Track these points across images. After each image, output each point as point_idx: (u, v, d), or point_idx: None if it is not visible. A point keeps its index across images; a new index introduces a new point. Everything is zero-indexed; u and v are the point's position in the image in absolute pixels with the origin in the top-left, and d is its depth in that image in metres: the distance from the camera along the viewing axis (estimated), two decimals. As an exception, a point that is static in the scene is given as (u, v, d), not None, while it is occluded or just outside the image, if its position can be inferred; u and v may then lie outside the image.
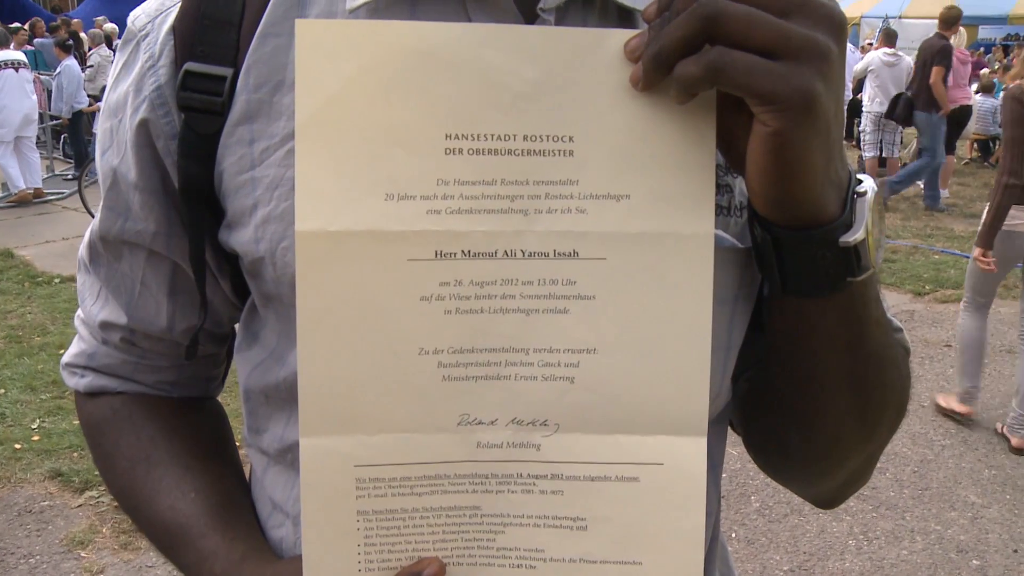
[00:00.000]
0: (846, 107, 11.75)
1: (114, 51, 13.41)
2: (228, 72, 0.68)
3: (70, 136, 11.64)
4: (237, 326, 0.81)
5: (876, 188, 0.62)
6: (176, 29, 0.71)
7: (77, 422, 4.11)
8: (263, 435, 0.77)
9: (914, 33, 22.97)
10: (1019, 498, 3.90)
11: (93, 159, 8.23)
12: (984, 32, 27.40)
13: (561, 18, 0.66)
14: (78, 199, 9.10)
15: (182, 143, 0.70)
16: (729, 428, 0.86)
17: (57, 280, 6.87)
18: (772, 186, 0.57)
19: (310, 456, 0.61)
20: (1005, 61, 19.79)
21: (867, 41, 20.64)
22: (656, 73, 0.56)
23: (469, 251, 0.59)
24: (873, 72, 10.65)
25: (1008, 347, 5.86)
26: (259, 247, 0.68)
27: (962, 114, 11.19)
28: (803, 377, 0.70)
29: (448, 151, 0.58)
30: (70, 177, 11.21)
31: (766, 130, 0.54)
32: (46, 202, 9.99)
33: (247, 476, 0.85)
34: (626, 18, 0.68)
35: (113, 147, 0.75)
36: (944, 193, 11.02)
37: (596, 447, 0.62)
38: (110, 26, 14.13)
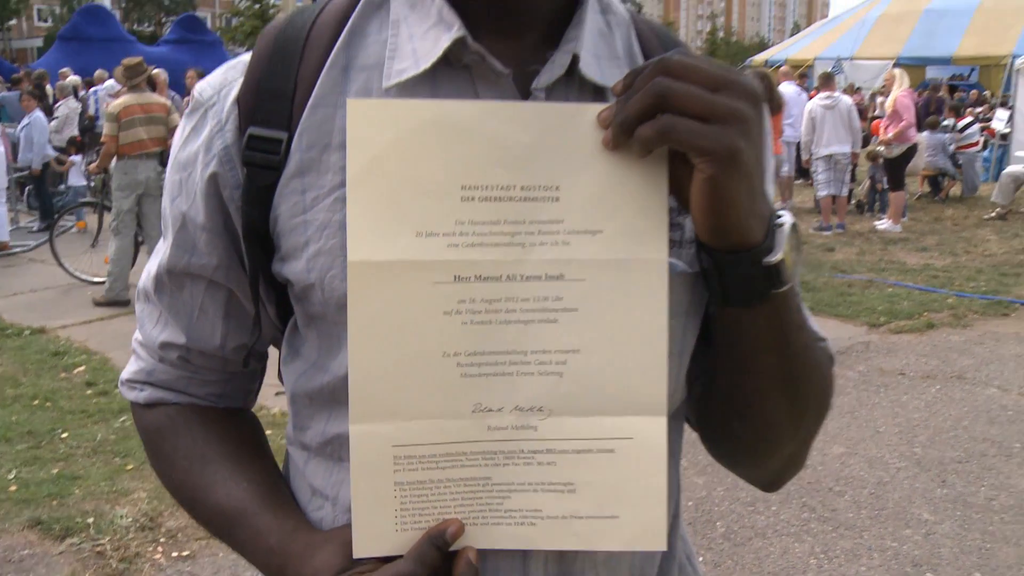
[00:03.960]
0: (795, 149, 12.12)
1: (81, 102, 13.38)
2: (283, 135, 0.85)
3: (36, 188, 11.69)
4: (282, 344, 0.97)
5: (793, 220, 0.81)
6: (240, 100, 0.88)
7: (56, 470, 4.18)
8: (307, 431, 0.92)
9: (867, 73, 23.62)
10: (969, 514, 4.10)
11: (62, 210, 8.21)
12: (931, 72, 28.19)
13: (549, 95, 0.84)
14: (44, 250, 9.14)
15: (245, 192, 0.87)
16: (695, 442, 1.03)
17: (27, 332, 6.91)
18: (710, 219, 0.75)
19: (358, 439, 0.77)
20: (953, 101, 20.44)
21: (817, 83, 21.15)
22: (622, 136, 0.74)
23: (480, 275, 0.76)
24: (816, 118, 11.01)
25: (958, 373, 6.11)
26: (310, 276, 0.84)
27: (910, 151, 11.57)
28: (742, 372, 0.87)
29: (464, 199, 0.76)
30: (35, 229, 11.25)
31: (703, 176, 0.72)
32: (12, 254, 10.05)
33: (284, 472, 1.02)
34: (599, 94, 0.85)
35: (182, 195, 0.92)
36: (897, 228, 11.36)
37: (581, 427, 0.79)
38: (75, 78, 14.26)
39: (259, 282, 0.91)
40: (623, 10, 0.94)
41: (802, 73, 17.80)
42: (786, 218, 0.80)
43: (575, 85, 0.85)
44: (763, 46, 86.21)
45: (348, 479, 0.82)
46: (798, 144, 12.51)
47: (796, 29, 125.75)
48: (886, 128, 11.17)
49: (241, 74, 0.90)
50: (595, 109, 0.77)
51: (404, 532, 0.78)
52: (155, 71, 9.79)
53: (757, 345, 0.84)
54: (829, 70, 17.39)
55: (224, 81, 0.91)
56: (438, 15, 0.83)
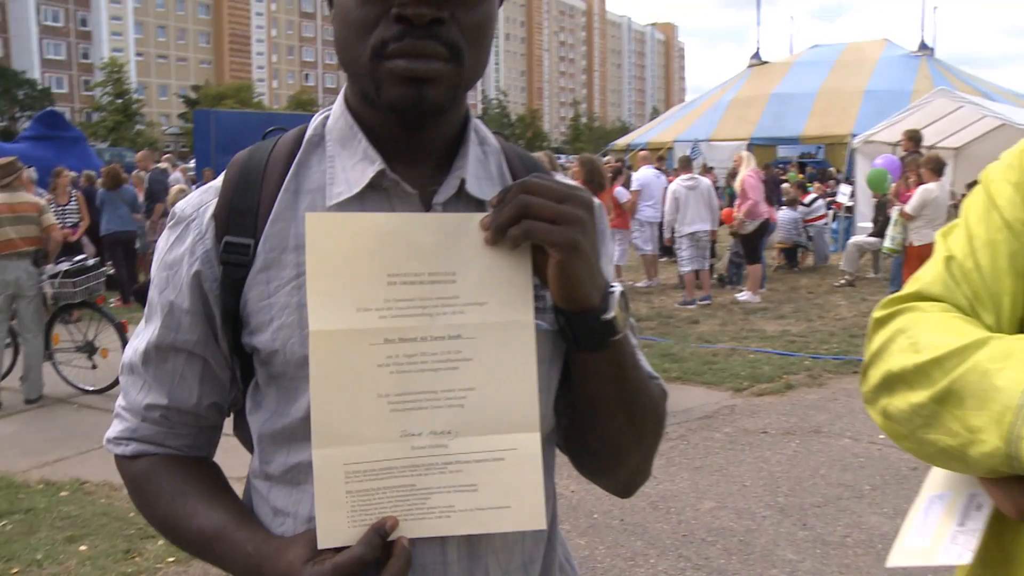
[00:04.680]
0: (659, 226, 12.76)
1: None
2: (251, 241, 1.17)
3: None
4: (246, 399, 1.25)
5: (621, 288, 1.15)
6: (216, 216, 1.19)
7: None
8: (271, 464, 1.20)
9: (723, 154, 24.95)
10: (827, 551, 4.52)
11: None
12: (782, 151, 29.92)
13: (445, 207, 1.17)
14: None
15: (222, 284, 1.18)
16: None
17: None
18: (562, 291, 1.08)
19: (319, 460, 1.06)
20: (802, 177, 21.74)
21: (677, 165, 22.25)
22: (498, 235, 1.07)
23: (402, 338, 1.07)
24: (679, 198, 11.70)
25: (815, 428, 6.63)
26: (275, 344, 1.14)
27: (765, 226, 12.33)
28: (593, 401, 1.20)
29: (389, 283, 1.07)
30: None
31: (555, 261, 1.06)
32: None
33: (246, 501, 1.29)
34: (480, 205, 1.19)
35: (170, 287, 1.22)
36: (756, 298, 12.07)
37: (479, 443, 1.09)
38: (29, 173, 13.89)
39: (232, 351, 1.20)
40: (494, 141, 1.29)
41: (660, 156, 18.72)
42: (616, 287, 1.14)
43: (463, 200, 1.19)
44: (624, 130, 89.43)
45: (305, 498, 1.13)
46: (659, 223, 13.25)
47: (655, 113, 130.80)
48: (738, 207, 11.93)
49: (214, 196, 1.21)
50: (478, 217, 1.10)
51: (355, 527, 1.07)
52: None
53: (603, 380, 1.18)
54: (688, 153, 18.42)
55: (201, 201, 1.22)
56: (364, 152, 1.17)
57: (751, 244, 12.20)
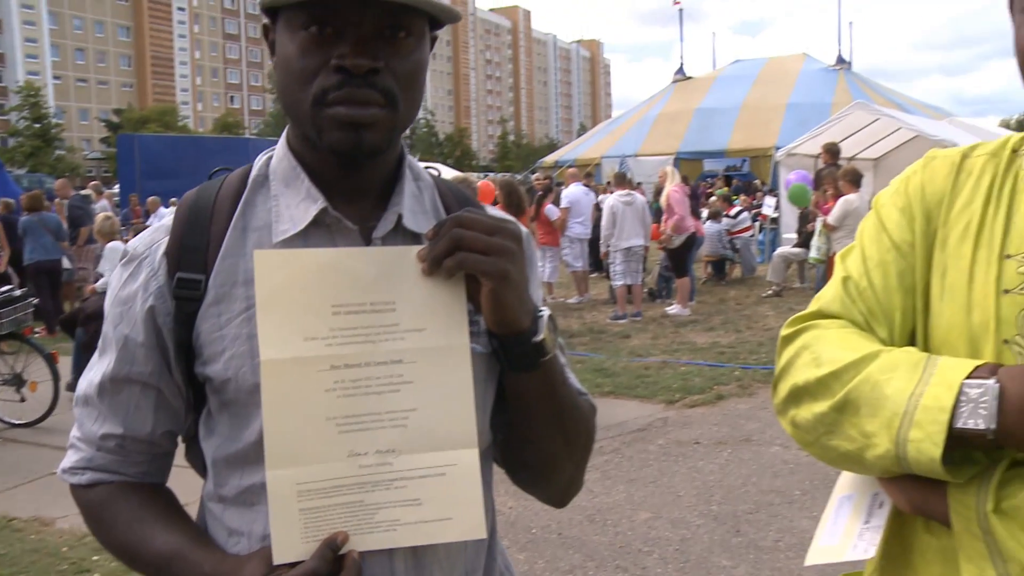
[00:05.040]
0: (589, 242, 12.90)
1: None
2: (202, 277, 1.23)
3: None
4: (199, 427, 1.30)
5: (549, 312, 1.24)
6: (168, 253, 1.25)
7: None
8: (225, 486, 1.26)
9: (650, 168, 25.37)
10: (760, 556, 4.66)
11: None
12: (708, 164, 30.52)
13: (384, 241, 1.25)
14: None
15: (176, 318, 1.24)
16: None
17: None
18: (495, 316, 1.17)
19: (273, 481, 1.13)
20: (727, 191, 22.19)
21: (607, 180, 22.61)
22: (433, 266, 1.16)
23: (347, 364, 1.15)
24: (617, 213, 11.86)
25: (746, 437, 6.80)
26: (227, 372, 1.21)
27: (692, 240, 12.57)
28: (527, 417, 1.28)
29: (334, 313, 1.15)
30: None
31: (488, 289, 1.15)
32: None
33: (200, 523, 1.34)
34: (416, 238, 1.26)
35: (124, 322, 1.27)
36: (686, 311, 12.28)
37: (422, 460, 1.17)
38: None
39: (185, 381, 1.26)
40: (428, 176, 1.38)
41: (588, 172, 18.97)
42: (545, 311, 1.23)
43: (401, 233, 1.27)
44: (552, 147, 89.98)
45: (259, 518, 1.20)
46: (589, 240, 13.45)
47: (583, 129, 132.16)
48: (665, 221, 12.16)
49: (165, 235, 1.27)
50: (415, 250, 1.18)
51: (308, 543, 1.14)
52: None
53: (535, 397, 1.26)
54: (620, 169, 18.66)
55: (153, 240, 1.29)
56: (307, 192, 1.24)
57: (679, 258, 12.43)
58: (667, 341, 10.69)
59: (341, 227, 1.24)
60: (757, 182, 25.43)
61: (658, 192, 14.31)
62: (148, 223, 14.52)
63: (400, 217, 1.27)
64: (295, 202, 1.25)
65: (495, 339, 1.22)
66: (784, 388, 1.31)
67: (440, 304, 1.19)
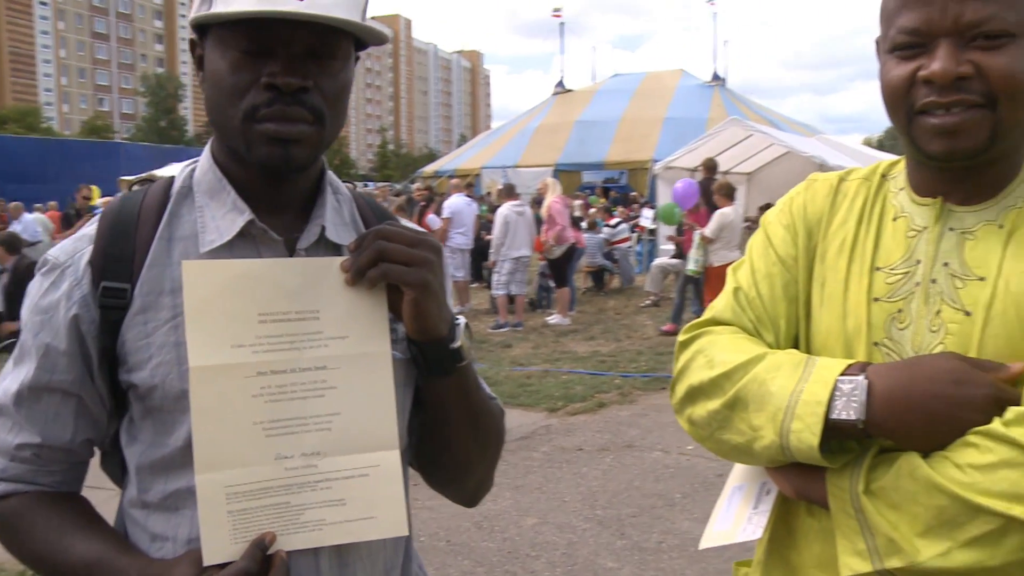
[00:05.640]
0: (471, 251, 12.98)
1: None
2: (128, 286, 1.25)
3: None
4: (122, 433, 1.32)
5: (465, 321, 1.31)
6: (92, 262, 1.27)
7: None
8: (149, 492, 1.27)
9: (528, 179, 25.64)
10: (644, 557, 4.81)
11: None
12: (588, 176, 30.99)
13: (308, 252, 1.30)
14: None
15: (100, 327, 1.26)
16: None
17: None
18: (414, 323, 1.23)
19: (202, 484, 1.16)
20: (605, 202, 22.58)
21: (487, 190, 22.75)
22: (357, 276, 1.21)
23: (273, 370, 1.19)
24: (510, 223, 11.97)
25: (628, 442, 6.99)
26: (154, 379, 1.23)
27: (572, 251, 12.78)
28: (442, 420, 1.35)
29: (261, 321, 1.19)
30: None
31: (408, 299, 1.21)
32: None
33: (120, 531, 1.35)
34: (339, 249, 1.32)
35: (45, 330, 1.27)
36: (566, 321, 12.48)
37: (346, 462, 1.22)
38: None
39: (110, 389, 1.28)
40: (346, 190, 1.43)
41: (469, 183, 19.09)
42: (461, 319, 1.30)
43: (323, 245, 1.33)
44: (432, 157, 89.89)
45: (184, 522, 1.23)
46: (471, 250, 13.56)
47: (462, 140, 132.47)
48: (546, 232, 12.35)
49: (89, 244, 1.29)
50: (339, 260, 1.24)
51: (236, 544, 1.18)
52: None
53: (450, 401, 1.33)
54: (503, 180, 18.81)
55: (75, 249, 1.30)
56: (232, 204, 1.28)
57: (559, 268, 12.64)
58: (548, 350, 10.84)
59: (267, 238, 1.29)
60: (635, 194, 25.96)
61: (536, 203, 14.48)
62: (11, 228, 13.95)
63: (323, 229, 1.32)
64: (221, 213, 1.29)
65: (414, 345, 1.28)
66: (681, 388, 1.41)
67: (362, 312, 1.24)
